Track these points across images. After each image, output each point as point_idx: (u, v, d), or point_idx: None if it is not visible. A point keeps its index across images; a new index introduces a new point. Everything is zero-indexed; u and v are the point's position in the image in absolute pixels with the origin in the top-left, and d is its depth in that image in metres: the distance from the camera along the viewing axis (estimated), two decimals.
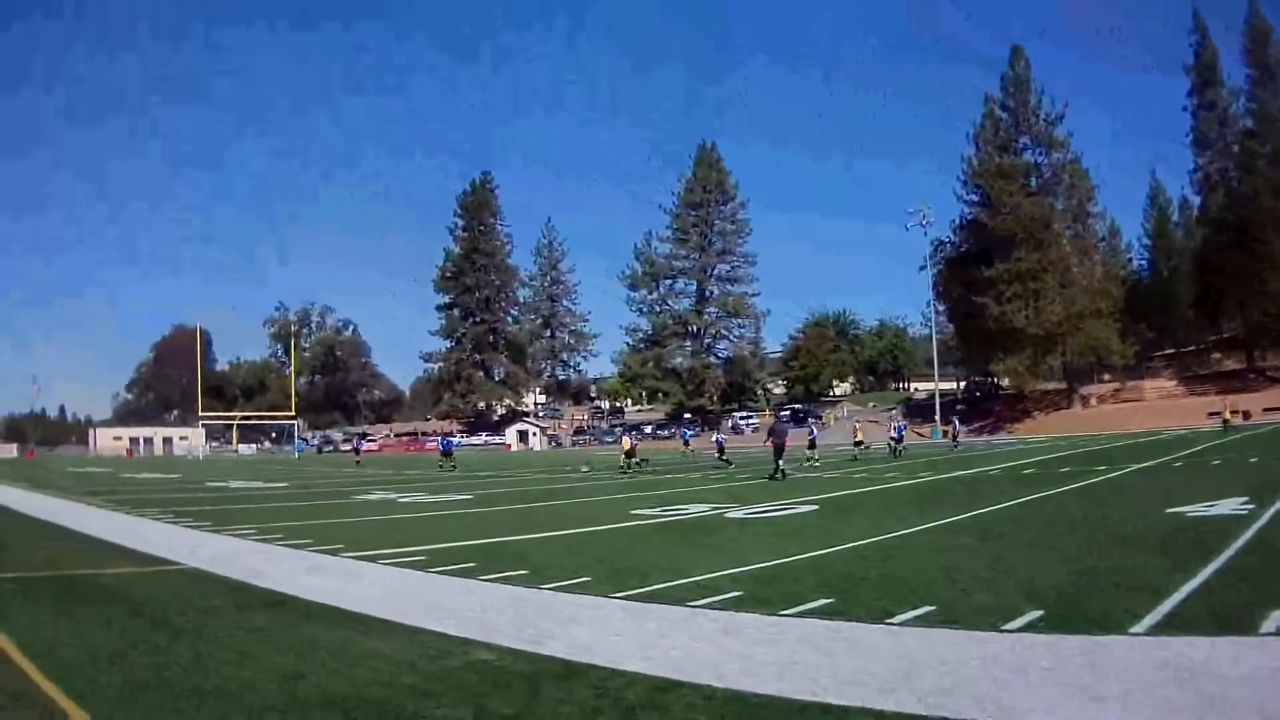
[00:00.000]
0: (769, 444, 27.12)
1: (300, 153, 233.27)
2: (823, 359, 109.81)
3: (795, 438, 35.03)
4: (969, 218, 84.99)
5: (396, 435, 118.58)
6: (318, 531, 15.48)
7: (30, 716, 5.19)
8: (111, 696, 5.56)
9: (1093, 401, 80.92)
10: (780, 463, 26.09)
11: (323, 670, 6.24)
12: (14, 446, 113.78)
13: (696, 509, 17.57)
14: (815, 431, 41.55)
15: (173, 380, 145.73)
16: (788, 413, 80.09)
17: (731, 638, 6.64)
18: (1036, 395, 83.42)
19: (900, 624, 6.90)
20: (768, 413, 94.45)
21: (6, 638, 6.97)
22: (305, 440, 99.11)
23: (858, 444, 40.13)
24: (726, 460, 35.63)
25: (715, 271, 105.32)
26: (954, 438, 53.24)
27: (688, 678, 5.57)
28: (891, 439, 41.86)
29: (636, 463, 33.44)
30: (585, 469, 38.63)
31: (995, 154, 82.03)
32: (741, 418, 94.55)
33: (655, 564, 10.50)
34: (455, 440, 60.37)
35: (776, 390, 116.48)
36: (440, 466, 42.57)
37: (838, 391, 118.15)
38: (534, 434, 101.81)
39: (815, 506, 17.41)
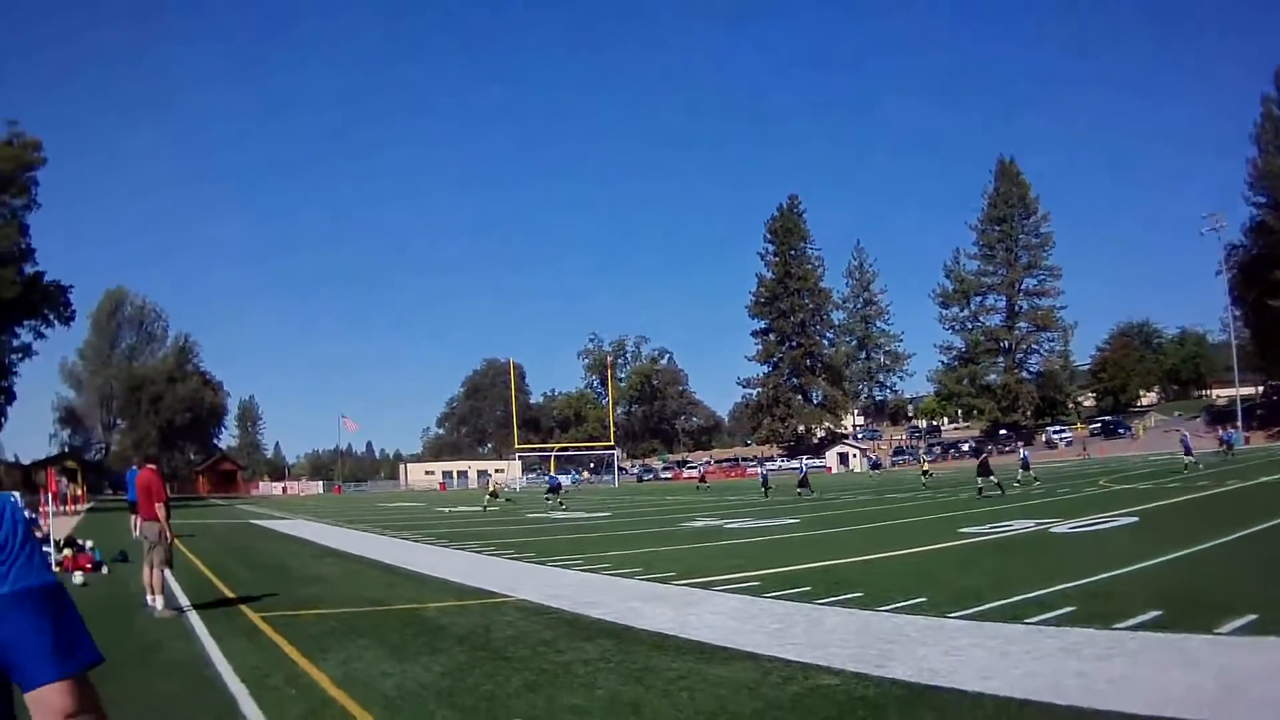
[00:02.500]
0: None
1: (615, 188, 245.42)
2: (1129, 369, 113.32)
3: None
4: (1257, 220, 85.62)
5: (716, 462, 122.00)
6: (647, 560, 16.17)
7: None
8: None
9: None
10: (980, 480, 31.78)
11: (662, 699, 6.49)
12: (320, 484, 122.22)
13: (1021, 525, 19.08)
14: (1025, 454, 43.48)
15: (486, 414, 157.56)
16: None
17: (1069, 655, 7.00)
18: None
19: (1227, 634, 7.35)
20: (1079, 426, 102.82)
21: (327, 675, 7.64)
22: (625, 469, 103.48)
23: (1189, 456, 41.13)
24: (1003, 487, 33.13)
25: (1023, 286, 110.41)
26: (1228, 447, 51.82)
27: (1029, 696, 5.93)
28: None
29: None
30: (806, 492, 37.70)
31: (1277, 155, 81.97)
32: (1055, 432, 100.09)
33: (988, 582, 11.12)
34: (774, 465, 61.54)
35: (1086, 403, 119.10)
36: (784, 491, 42.75)
37: (1144, 401, 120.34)
38: (854, 456, 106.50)
39: (1135, 519, 18.86)
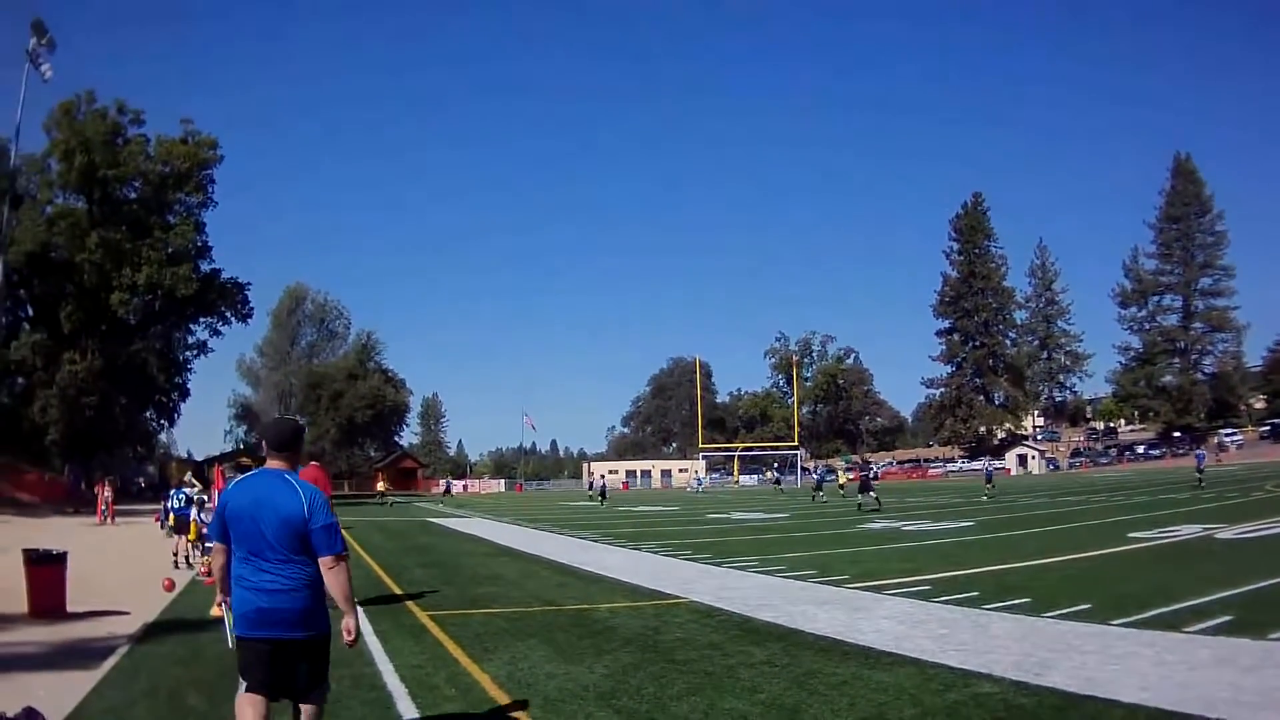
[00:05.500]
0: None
1: (803, 188, 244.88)
2: None
3: None
4: None
5: (899, 463, 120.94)
6: (822, 562, 16.17)
7: None
8: None
9: None
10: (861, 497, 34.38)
11: (822, 704, 6.55)
12: (501, 482, 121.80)
13: (1188, 530, 19.20)
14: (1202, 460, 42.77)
15: (671, 413, 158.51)
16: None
17: (1223, 666, 7.04)
18: None
19: None
20: (1250, 429, 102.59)
21: (489, 675, 7.84)
22: (807, 469, 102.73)
23: None
24: None
25: (1198, 285, 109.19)
26: None
27: (1181, 708, 5.93)
28: None
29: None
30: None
31: None
32: (1226, 434, 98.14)
33: (1151, 588, 11.18)
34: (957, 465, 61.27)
35: (1258, 405, 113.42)
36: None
37: None
38: (1033, 458, 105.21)
39: None
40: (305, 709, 4.85)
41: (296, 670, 4.77)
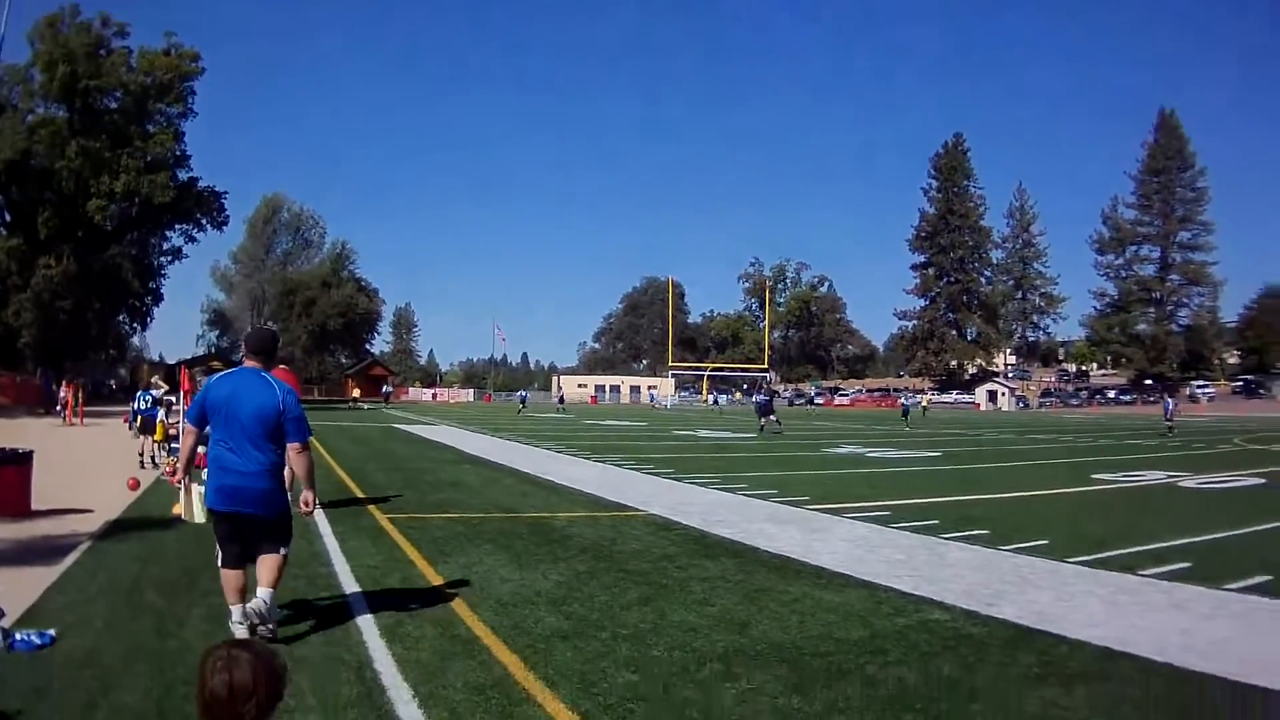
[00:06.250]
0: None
1: (783, 111, 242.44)
2: (1277, 330, 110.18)
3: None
4: None
5: (868, 391, 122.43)
6: (784, 483, 16.21)
7: (456, 650, 5.74)
8: (541, 636, 6.10)
9: None
10: (762, 421, 36.49)
11: (772, 621, 6.54)
12: (470, 392, 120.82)
13: (1153, 476, 19.14)
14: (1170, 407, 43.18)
15: (644, 331, 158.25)
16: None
17: (1178, 611, 7.03)
18: None
19: None
20: (1222, 382, 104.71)
21: (443, 578, 7.86)
22: (777, 393, 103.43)
23: None
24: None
25: (1177, 239, 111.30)
26: None
27: (1130, 649, 5.94)
28: None
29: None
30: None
31: None
32: (1199, 386, 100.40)
33: (1111, 530, 11.18)
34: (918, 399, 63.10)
35: (1230, 360, 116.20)
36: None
37: None
38: (1003, 394, 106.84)
39: (1263, 480, 18.56)
40: (265, 558, 5.87)
41: (260, 540, 5.84)
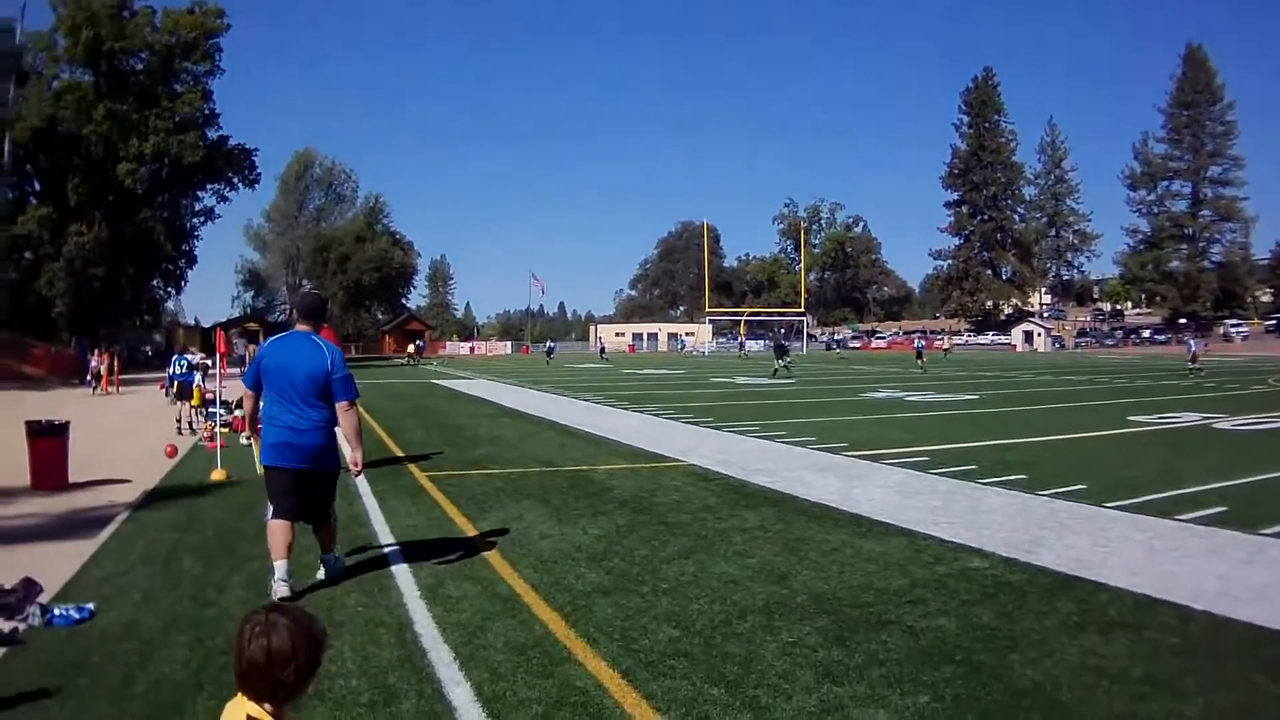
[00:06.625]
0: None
1: (815, 57, 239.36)
2: None
3: None
4: None
5: (905, 333, 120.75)
6: (823, 429, 16.18)
7: (496, 610, 5.80)
8: (581, 592, 6.13)
9: None
10: (777, 363, 37.81)
11: (812, 571, 6.55)
12: (508, 344, 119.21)
13: (1188, 417, 18.89)
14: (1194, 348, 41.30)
15: (679, 276, 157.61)
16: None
17: (1214, 557, 6.95)
18: None
19: None
20: (1255, 321, 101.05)
21: (483, 536, 7.89)
22: (814, 336, 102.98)
23: None
24: None
25: (1208, 174, 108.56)
26: None
27: (1167, 596, 5.90)
28: None
29: None
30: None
31: None
32: (1232, 325, 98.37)
33: (1148, 474, 11.01)
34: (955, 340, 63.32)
35: (1264, 298, 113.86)
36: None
37: None
38: (1039, 335, 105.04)
39: None
40: (324, 528, 6.46)
41: (311, 496, 6.28)
